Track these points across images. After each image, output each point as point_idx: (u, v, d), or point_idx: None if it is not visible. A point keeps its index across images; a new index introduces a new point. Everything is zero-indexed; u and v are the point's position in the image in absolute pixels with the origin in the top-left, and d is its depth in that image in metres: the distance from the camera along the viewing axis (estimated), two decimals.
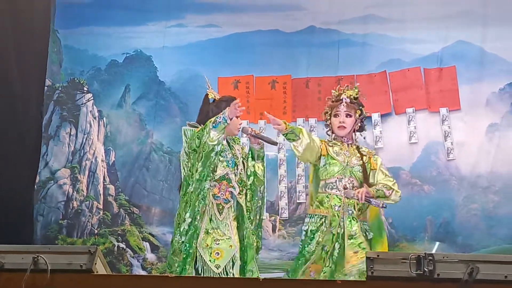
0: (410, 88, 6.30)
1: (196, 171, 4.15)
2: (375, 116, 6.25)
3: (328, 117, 4.54)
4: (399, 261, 2.76)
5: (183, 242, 4.12)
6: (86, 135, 6.62)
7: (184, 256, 4.07)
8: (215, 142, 4.10)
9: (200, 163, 4.15)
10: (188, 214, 4.15)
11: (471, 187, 6.11)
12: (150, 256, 6.30)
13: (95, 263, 2.94)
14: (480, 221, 6.04)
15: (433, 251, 5.32)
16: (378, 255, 2.72)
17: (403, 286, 2.76)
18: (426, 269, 2.73)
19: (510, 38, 6.27)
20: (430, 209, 6.11)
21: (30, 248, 3.28)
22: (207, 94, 4.49)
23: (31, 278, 2.87)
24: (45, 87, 6.62)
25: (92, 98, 6.70)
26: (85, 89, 6.73)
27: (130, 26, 6.76)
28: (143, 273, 6.13)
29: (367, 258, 2.73)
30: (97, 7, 6.83)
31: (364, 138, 4.96)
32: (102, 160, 6.55)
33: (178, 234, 4.15)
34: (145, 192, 6.48)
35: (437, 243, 6.07)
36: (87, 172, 6.53)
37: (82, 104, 6.69)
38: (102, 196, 6.47)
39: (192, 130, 4.33)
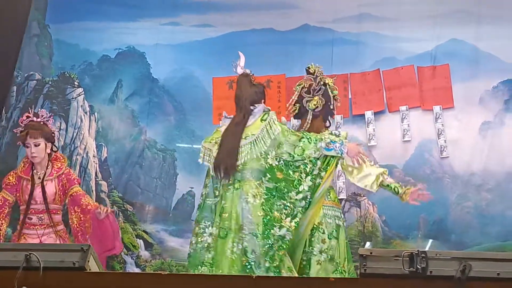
0: (403, 86, 6.29)
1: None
2: (369, 114, 6.25)
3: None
4: (392, 258, 2.76)
5: None
6: (76, 130, 6.60)
7: None
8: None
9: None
10: None
11: (464, 185, 6.12)
12: (144, 254, 6.28)
13: (88, 261, 2.94)
14: (473, 218, 6.05)
15: (426, 249, 5.32)
16: (371, 252, 2.72)
17: (396, 284, 2.76)
18: (419, 267, 2.73)
19: (503, 37, 6.28)
20: (424, 207, 6.07)
21: (22, 245, 3.28)
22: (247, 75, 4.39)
23: (23, 275, 2.86)
24: (35, 81, 6.62)
25: (83, 92, 6.68)
26: (76, 83, 6.70)
27: (123, 21, 6.75)
28: (137, 270, 6.12)
29: (360, 255, 2.73)
30: (89, 1, 6.81)
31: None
32: (93, 156, 6.53)
33: None
34: (139, 189, 6.47)
35: (430, 240, 6.08)
36: (78, 167, 6.50)
37: (72, 98, 6.67)
38: (94, 192, 6.45)
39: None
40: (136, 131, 6.57)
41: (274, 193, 4.19)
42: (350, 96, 6.28)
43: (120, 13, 6.70)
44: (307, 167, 4.25)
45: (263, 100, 4.40)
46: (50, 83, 6.70)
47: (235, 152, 4.21)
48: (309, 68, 4.65)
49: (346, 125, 6.19)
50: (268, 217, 4.13)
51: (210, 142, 4.33)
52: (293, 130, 4.41)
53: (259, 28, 6.60)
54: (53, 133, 5.05)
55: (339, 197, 5.28)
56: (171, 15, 6.69)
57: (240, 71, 4.44)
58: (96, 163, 6.49)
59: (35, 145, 4.92)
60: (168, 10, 6.69)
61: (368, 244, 6.01)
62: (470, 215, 6.08)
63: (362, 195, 6.14)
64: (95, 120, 6.61)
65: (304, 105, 4.50)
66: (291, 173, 4.24)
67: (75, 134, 6.58)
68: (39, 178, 4.94)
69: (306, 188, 4.28)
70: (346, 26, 6.51)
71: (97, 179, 6.47)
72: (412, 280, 2.75)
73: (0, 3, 6.14)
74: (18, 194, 4.95)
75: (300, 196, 4.25)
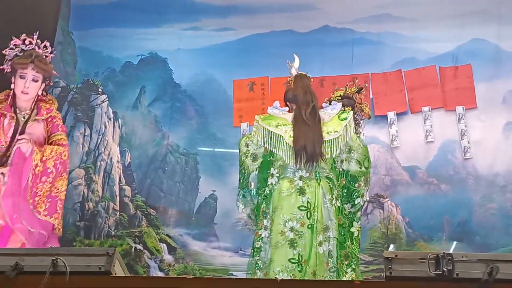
0: (425, 86, 6.28)
1: None
2: (391, 115, 6.24)
3: None
4: (417, 261, 2.73)
5: None
6: (101, 136, 6.65)
7: None
8: None
9: None
10: None
11: (488, 186, 6.08)
12: (167, 258, 6.31)
13: (114, 265, 2.94)
14: (498, 220, 6.00)
15: (451, 251, 5.29)
16: (396, 255, 2.70)
17: (422, 286, 2.74)
18: (445, 269, 2.70)
19: None
20: (447, 208, 6.09)
21: (49, 250, 3.29)
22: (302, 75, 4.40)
23: (50, 280, 2.87)
24: (59, 88, 6.69)
25: (106, 99, 6.74)
26: (100, 90, 6.77)
27: (145, 28, 6.80)
28: (161, 274, 6.14)
29: (385, 258, 2.72)
30: (111, 8, 6.87)
31: None
32: (117, 161, 6.58)
33: None
34: (162, 194, 6.50)
35: (455, 242, 6.04)
36: (102, 173, 6.55)
37: (96, 105, 6.73)
38: (118, 197, 6.49)
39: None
40: (159, 136, 6.62)
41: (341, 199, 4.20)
42: (371, 96, 6.26)
43: (141, 20, 6.76)
44: (368, 182, 4.26)
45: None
46: (74, 90, 6.78)
47: (320, 141, 4.10)
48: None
49: (368, 125, 6.15)
50: (341, 222, 4.14)
51: (277, 127, 4.19)
52: (361, 138, 4.40)
53: (279, 30, 6.62)
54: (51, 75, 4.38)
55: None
56: (191, 20, 6.74)
57: (294, 72, 4.44)
58: (120, 169, 6.54)
59: (33, 80, 4.23)
60: (188, 15, 6.73)
61: (391, 246, 5.99)
62: (494, 216, 6.04)
63: (385, 196, 6.13)
64: (119, 126, 6.66)
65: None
66: (353, 183, 4.23)
67: (99, 140, 6.64)
68: (23, 118, 4.22)
69: (361, 203, 4.27)
70: (366, 26, 6.51)
71: (121, 184, 6.52)
72: (438, 283, 2.73)
73: (29, 12, 6.19)
74: None
75: (354, 209, 4.25)
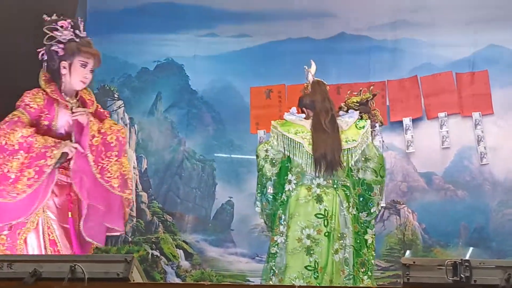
0: (442, 92, 6.26)
1: None
2: (407, 121, 6.23)
3: None
4: (435, 267, 2.73)
5: None
6: None
7: None
8: None
9: None
10: None
11: (505, 192, 6.06)
12: (184, 264, 6.32)
13: (132, 272, 2.96)
14: None
15: (467, 257, 5.27)
16: (414, 262, 2.70)
17: None
18: (462, 276, 2.70)
19: None
20: (464, 214, 6.07)
21: (67, 257, 3.33)
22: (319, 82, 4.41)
23: (68, 286, 2.89)
24: None
25: (123, 105, 6.77)
26: (116, 96, 6.79)
27: (161, 34, 6.81)
28: (178, 280, 6.16)
29: (403, 264, 2.72)
30: (127, 14, 6.89)
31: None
32: (134, 167, 6.60)
33: None
34: (178, 200, 6.52)
35: (471, 248, 6.02)
36: None
37: (113, 111, 6.75)
38: (135, 203, 6.51)
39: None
40: (175, 142, 6.64)
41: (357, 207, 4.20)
42: (387, 103, 6.26)
43: (158, 26, 6.77)
44: (383, 190, 4.26)
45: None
46: None
47: (339, 150, 4.13)
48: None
49: (384, 132, 6.15)
50: (357, 230, 4.14)
51: (296, 134, 4.20)
52: (377, 147, 4.40)
53: (296, 37, 6.62)
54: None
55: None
56: (208, 26, 6.75)
57: (310, 78, 4.44)
58: (137, 175, 6.56)
59: (91, 71, 4.04)
60: (205, 21, 6.74)
61: (408, 252, 5.97)
62: (511, 222, 6.01)
63: (401, 202, 6.12)
64: (135, 132, 6.68)
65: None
66: (368, 191, 4.23)
67: None
68: (70, 109, 3.97)
69: (377, 212, 4.27)
70: (382, 33, 6.50)
71: (138, 190, 6.54)
72: None
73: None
74: (43, 120, 3.92)
75: (369, 218, 4.25)
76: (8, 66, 5.31)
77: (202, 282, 3.71)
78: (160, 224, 6.42)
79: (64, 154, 3.87)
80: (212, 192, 6.50)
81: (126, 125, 6.69)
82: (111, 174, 3.94)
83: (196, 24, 6.77)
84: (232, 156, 6.55)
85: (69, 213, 3.94)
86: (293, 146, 4.19)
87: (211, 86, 6.69)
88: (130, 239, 6.42)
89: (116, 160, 3.97)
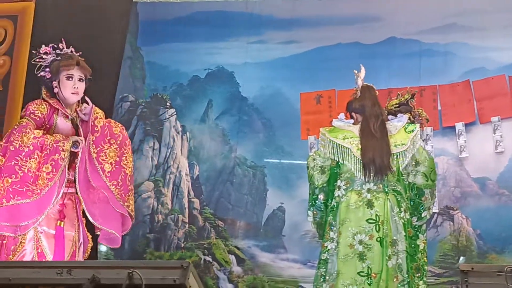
0: (495, 96, 6.16)
1: None
2: (459, 126, 6.14)
3: None
4: (494, 273, 2.70)
5: None
6: (169, 150, 6.76)
7: None
8: None
9: None
10: None
11: None
12: (236, 269, 6.36)
13: (188, 278, 3.00)
14: None
15: None
16: (472, 268, 2.68)
17: None
18: None
19: None
20: None
21: (125, 263, 3.38)
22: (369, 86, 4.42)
23: None
24: (128, 103, 6.83)
25: (175, 113, 6.85)
26: (168, 104, 6.88)
27: (211, 42, 6.87)
28: (230, 286, 6.20)
29: (461, 271, 2.70)
30: (178, 24, 6.98)
31: None
32: (186, 174, 6.67)
33: None
34: (230, 206, 6.57)
35: None
36: (171, 186, 6.66)
37: (165, 119, 6.84)
38: (187, 209, 6.58)
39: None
40: (226, 149, 6.69)
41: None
42: (439, 108, 6.20)
43: (208, 34, 6.84)
44: (434, 195, 4.22)
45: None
46: (143, 104, 6.91)
47: (388, 154, 4.12)
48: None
49: (436, 137, 6.11)
50: (411, 235, 4.12)
51: (344, 140, 4.20)
52: (427, 150, 4.37)
53: (345, 42, 6.60)
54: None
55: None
56: (257, 33, 6.78)
57: (360, 82, 4.45)
58: (189, 181, 6.63)
59: (80, 80, 4.18)
60: (254, 28, 6.78)
61: (462, 258, 5.90)
62: None
63: (455, 208, 6.05)
64: (187, 140, 6.76)
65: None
66: (419, 196, 4.21)
67: (168, 154, 6.75)
68: (85, 114, 4.18)
69: (428, 216, 4.24)
70: (433, 37, 6.43)
71: (190, 197, 6.61)
72: None
73: (98, 28, 6.37)
74: (44, 131, 4.11)
75: (420, 223, 4.22)
76: None
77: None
78: (212, 230, 6.47)
79: (75, 143, 4.07)
80: (263, 198, 6.52)
81: (178, 133, 6.78)
82: (106, 157, 4.07)
83: (246, 31, 6.81)
84: (283, 162, 6.56)
85: (61, 222, 4.09)
86: (341, 152, 4.18)
87: (261, 92, 6.72)
88: (182, 244, 6.48)
89: (115, 148, 4.12)
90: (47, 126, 4.16)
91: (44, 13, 6.30)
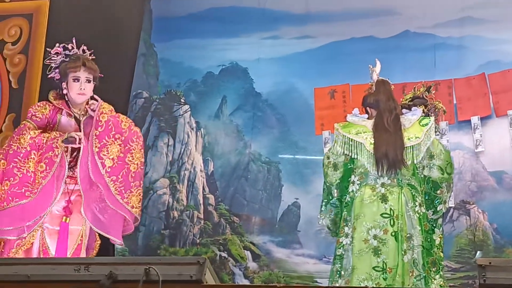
0: (511, 89, 6.12)
1: None
2: (475, 120, 6.10)
3: None
4: None
5: None
6: (184, 146, 6.77)
7: None
8: None
9: None
10: None
11: None
12: (252, 265, 6.36)
13: (205, 274, 3.01)
14: None
15: None
16: (490, 262, 2.66)
17: None
18: None
19: None
20: None
21: (141, 259, 3.40)
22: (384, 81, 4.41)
23: None
24: (142, 99, 6.85)
25: (189, 109, 6.85)
26: (182, 100, 6.89)
27: (224, 38, 6.87)
28: (246, 281, 6.20)
29: (479, 265, 2.68)
30: (191, 20, 6.98)
31: None
32: (200, 170, 6.68)
33: None
34: (245, 202, 6.57)
35: None
36: (186, 182, 6.67)
37: (179, 115, 6.85)
38: (202, 205, 6.60)
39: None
40: (241, 145, 6.69)
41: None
42: (455, 102, 6.16)
43: (221, 30, 6.84)
44: (451, 188, 4.20)
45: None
46: (157, 101, 6.92)
47: (401, 148, 4.11)
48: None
49: (452, 131, 6.08)
50: (427, 229, 4.11)
51: (357, 135, 4.20)
52: (442, 143, 4.35)
53: (359, 36, 6.57)
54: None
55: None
56: (271, 29, 6.77)
57: (375, 77, 4.44)
58: (203, 177, 6.64)
59: (87, 81, 4.24)
60: (268, 24, 6.76)
61: (478, 253, 5.87)
62: None
63: (471, 203, 6.01)
64: (202, 136, 6.76)
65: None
66: (434, 189, 4.19)
67: (182, 150, 6.76)
68: (93, 110, 4.21)
69: (443, 210, 4.21)
70: (447, 30, 6.39)
71: (205, 193, 6.62)
72: None
73: (112, 24, 6.39)
74: (48, 130, 4.18)
75: (435, 216, 4.20)
76: None
77: (274, 284, 3.72)
78: (227, 226, 6.48)
79: (70, 138, 4.11)
80: (278, 193, 6.52)
81: (192, 129, 6.79)
82: (107, 152, 4.07)
83: (259, 27, 6.80)
84: (297, 157, 6.55)
85: (66, 218, 4.10)
86: (354, 147, 4.19)
87: (275, 88, 6.71)
88: (198, 240, 6.49)
89: (119, 144, 4.13)
90: (51, 126, 4.23)
91: (58, 11, 6.32)
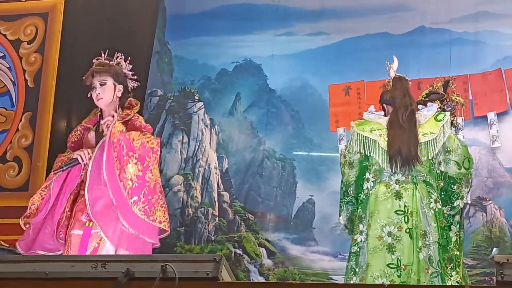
0: None
1: None
2: (491, 115, 6.06)
3: None
4: None
5: None
6: (198, 143, 6.78)
7: None
8: None
9: None
10: None
11: None
12: (267, 262, 6.36)
13: (221, 271, 3.01)
14: None
15: None
16: (507, 260, 2.64)
17: None
18: None
19: None
20: None
21: (158, 257, 3.39)
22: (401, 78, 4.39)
23: (160, 285, 2.95)
24: (157, 97, 6.86)
25: (203, 106, 6.87)
26: (196, 98, 6.90)
27: (238, 35, 6.88)
28: (261, 279, 6.21)
29: (496, 262, 2.66)
30: (205, 17, 7.00)
31: None
32: (215, 167, 6.69)
33: None
34: (260, 199, 6.57)
35: None
36: (200, 179, 6.68)
37: (193, 112, 6.87)
38: (217, 203, 6.60)
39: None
40: (255, 142, 6.69)
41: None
42: (471, 98, 6.13)
43: (235, 27, 6.85)
44: (469, 183, 4.17)
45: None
46: (171, 98, 6.94)
47: (415, 144, 4.07)
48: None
49: (468, 127, 6.04)
50: (443, 225, 4.09)
51: (371, 132, 4.18)
52: (459, 138, 4.32)
53: (373, 32, 6.55)
54: (125, 74, 4.24)
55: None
56: (284, 25, 6.77)
57: (392, 74, 4.42)
58: (218, 175, 6.65)
59: (101, 84, 4.11)
60: (281, 20, 6.76)
61: (495, 249, 5.84)
62: None
63: (487, 199, 5.98)
64: (216, 133, 6.77)
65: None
66: (451, 185, 4.16)
67: (197, 147, 6.77)
68: (107, 126, 4.06)
69: (461, 205, 4.18)
70: (463, 25, 6.36)
71: (219, 190, 6.63)
72: None
73: (127, 22, 6.41)
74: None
75: (453, 212, 4.17)
76: None
77: (290, 281, 3.71)
78: (242, 223, 6.49)
79: (72, 160, 4.08)
80: (293, 190, 6.52)
81: (206, 126, 6.80)
82: (126, 174, 4.00)
83: (272, 24, 6.80)
84: (312, 154, 6.54)
85: (90, 222, 4.09)
86: (368, 144, 4.17)
87: (289, 85, 6.71)
88: (213, 238, 6.50)
89: (135, 163, 4.03)
90: (82, 144, 4.26)
91: (73, 9, 6.34)
